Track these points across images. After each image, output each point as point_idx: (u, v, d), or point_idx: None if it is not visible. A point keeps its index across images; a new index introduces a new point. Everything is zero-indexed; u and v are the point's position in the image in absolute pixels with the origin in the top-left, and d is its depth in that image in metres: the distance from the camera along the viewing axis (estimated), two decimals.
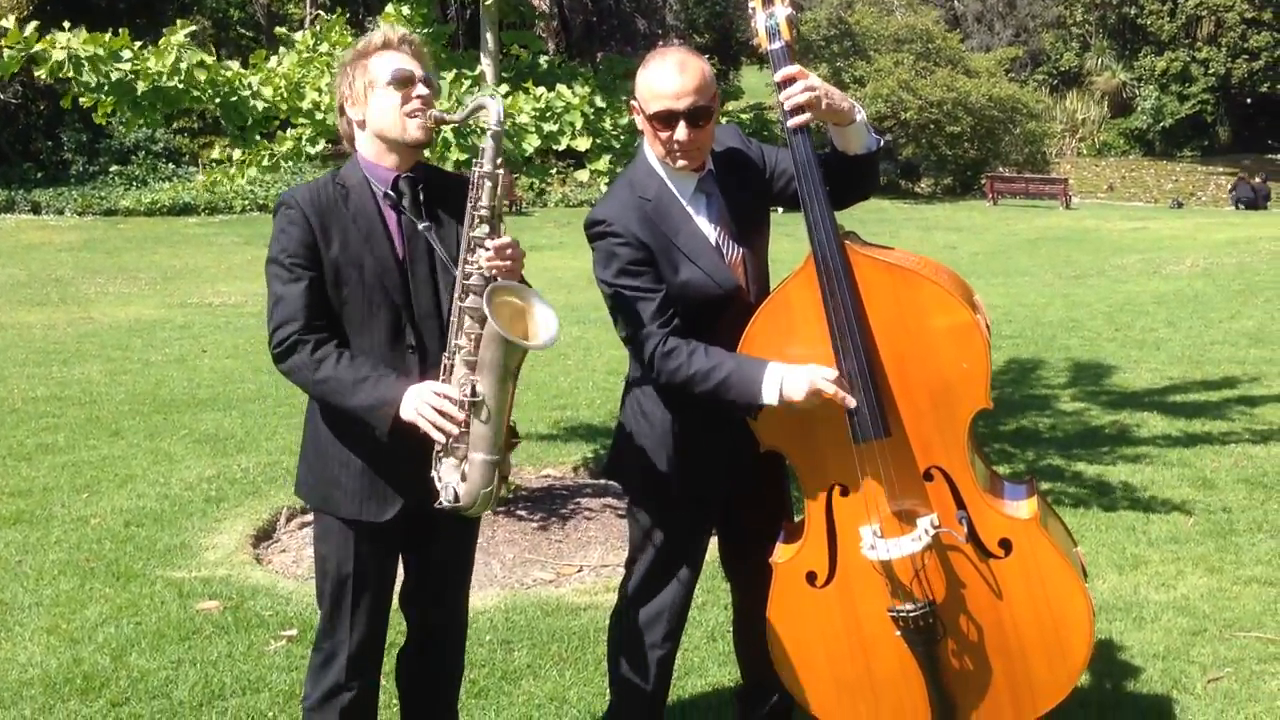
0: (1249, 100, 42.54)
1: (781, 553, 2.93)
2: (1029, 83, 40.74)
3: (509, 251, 2.52)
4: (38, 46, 4.24)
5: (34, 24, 4.34)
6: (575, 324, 11.67)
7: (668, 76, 2.74)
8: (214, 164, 5.20)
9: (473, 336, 2.51)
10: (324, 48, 5.00)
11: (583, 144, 4.39)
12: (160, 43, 4.39)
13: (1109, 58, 44.29)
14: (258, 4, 32.54)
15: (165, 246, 19.38)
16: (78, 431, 7.35)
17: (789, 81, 2.72)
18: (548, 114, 4.39)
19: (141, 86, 4.23)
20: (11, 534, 5.38)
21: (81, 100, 4.53)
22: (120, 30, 4.43)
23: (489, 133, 2.54)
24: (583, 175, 4.55)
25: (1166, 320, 11.23)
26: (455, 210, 2.64)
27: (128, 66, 4.25)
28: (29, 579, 4.81)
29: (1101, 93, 43.86)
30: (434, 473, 2.57)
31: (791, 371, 2.71)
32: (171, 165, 26.81)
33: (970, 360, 2.76)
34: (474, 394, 2.49)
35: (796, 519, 3.03)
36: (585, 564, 4.99)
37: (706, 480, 2.96)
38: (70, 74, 4.24)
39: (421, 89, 2.64)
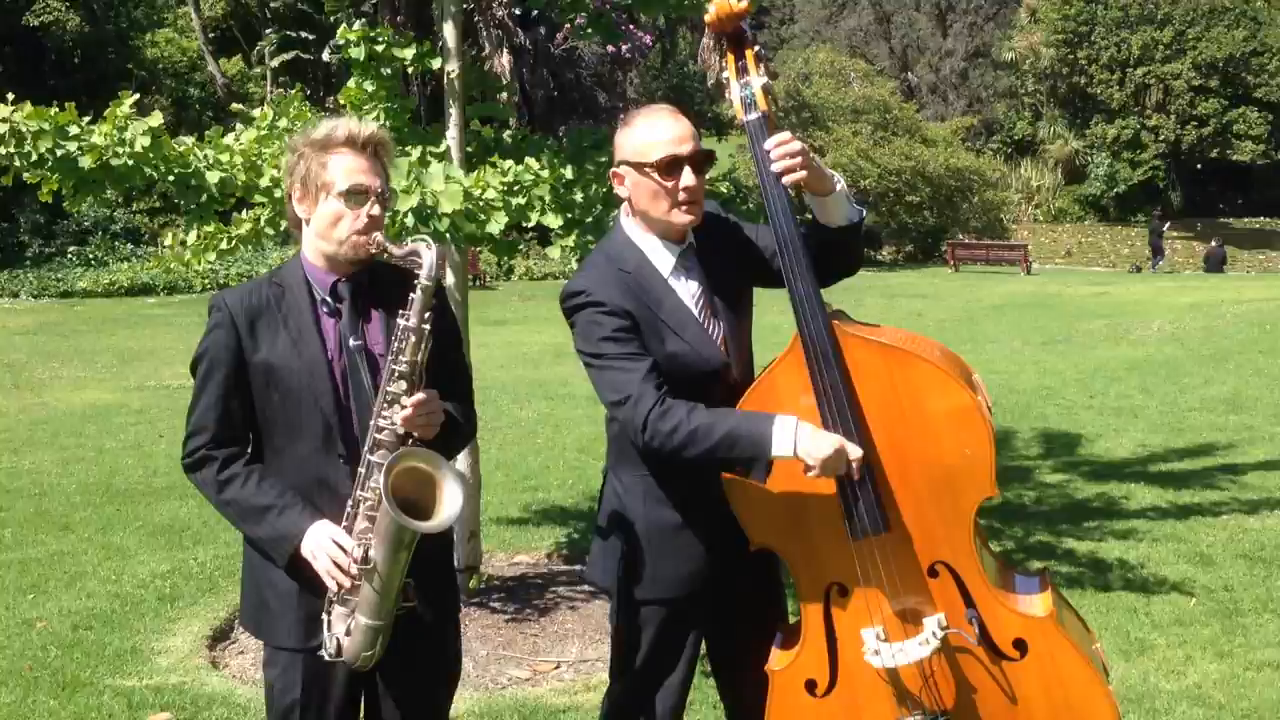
0: (1199, 165, 43.33)
1: (778, 659, 2.72)
2: (984, 151, 41.36)
3: (424, 408, 2.39)
4: None
5: None
6: (543, 399, 11.46)
7: (665, 125, 2.63)
8: (165, 249, 5.00)
9: (377, 491, 2.37)
10: (283, 123, 4.83)
11: (553, 220, 4.22)
12: (105, 114, 4.20)
13: (1061, 126, 45.05)
14: (217, 84, 32.50)
15: (123, 328, 19.01)
16: (26, 526, 7.02)
17: (781, 143, 2.59)
18: (515, 188, 4.22)
19: (87, 162, 4.03)
20: None
21: (26, 177, 4.31)
22: (66, 105, 4.23)
23: (418, 285, 2.38)
24: (554, 253, 4.38)
25: (1140, 387, 11.17)
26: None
27: (73, 145, 4.05)
28: None
29: (1055, 160, 44.53)
30: (325, 615, 2.45)
31: (808, 425, 2.51)
32: (130, 245, 26.50)
33: (973, 445, 2.58)
34: (366, 560, 2.39)
35: (793, 621, 2.82)
36: (563, 659, 4.73)
37: (693, 581, 2.75)
38: (11, 149, 4.03)
39: (374, 208, 2.48)
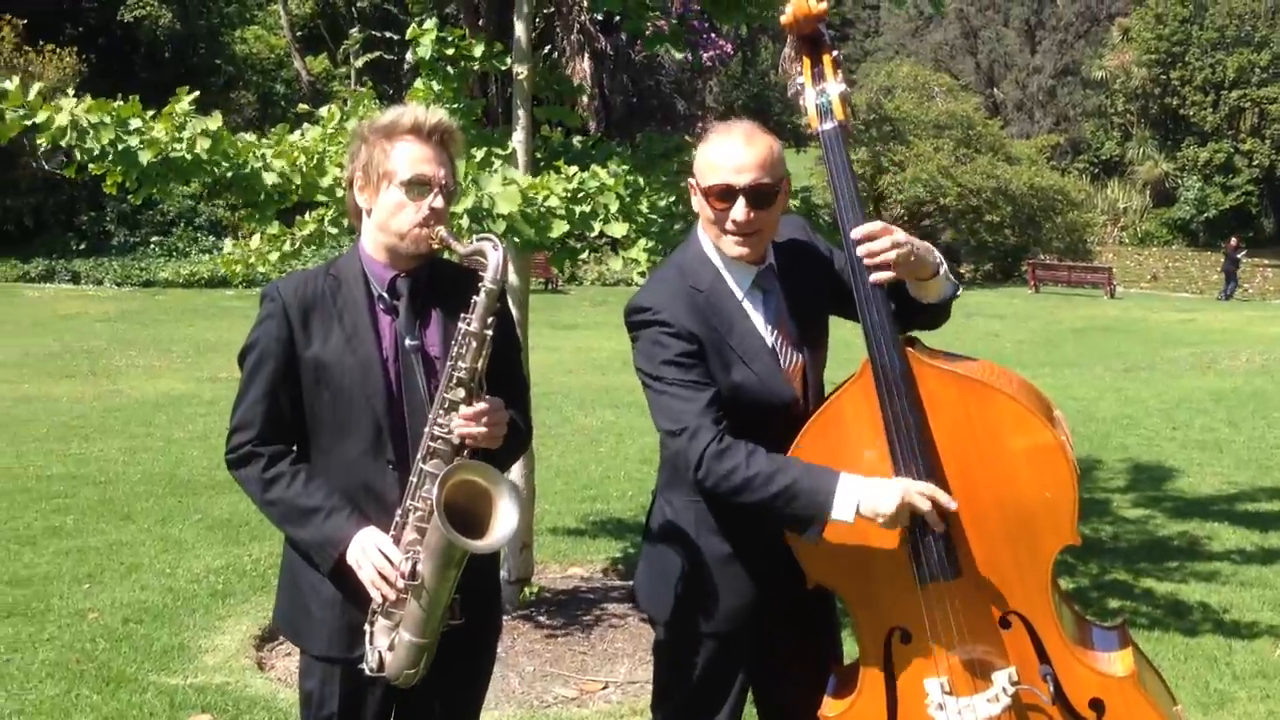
0: None
1: (831, 707, 2.55)
2: (1069, 171, 40.51)
3: (486, 419, 2.26)
4: (41, 115, 4.00)
5: (38, 86, 4.12)
6: (608, 407, 11.35)
7: (731, 149, 2.43)
8: (228, 253, 4.97)
9: (429, 503, 2.24)
10: (351, 124, 4.76)
11: (618, 230, 4.08)
12: (164, 111, 4.15)
13: (1151, 147, 44.04)
14: (303, 82, 32.96)
15: (201, 319, 19.31)
16: (88, 514, 7.06)
17: (870, 237, 2.39)
18: (580, 195, 4.09)
19: (147, 156, 3.99)
20: (4, 628, 5.06)
21: (91, 168, 4.29)
22: (130, 98, 4.20)
23: (482, 288, 2.26)
24: (616, 264, 4.25)
25: (1227, 420, 10.75)
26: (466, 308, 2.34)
27: (134, 139, 4.00)
28: (14, 682, 4.47)
29: (1144, 182, 43.52)
30: (368, 627, 2.34)
31: (872, 484, 2.34)
32: (212, 237, 26.93)
33: (1054, 488, 2.39)
34: (414, 575, 2.27)
35: (849, 663, 2.65)
36: (611, 680, 4.59)
37: (742, 615, 2.58)
38: (74, 142, 4.00)
39: (437, 200, 2.35)
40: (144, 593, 5.58)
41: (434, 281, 2.45)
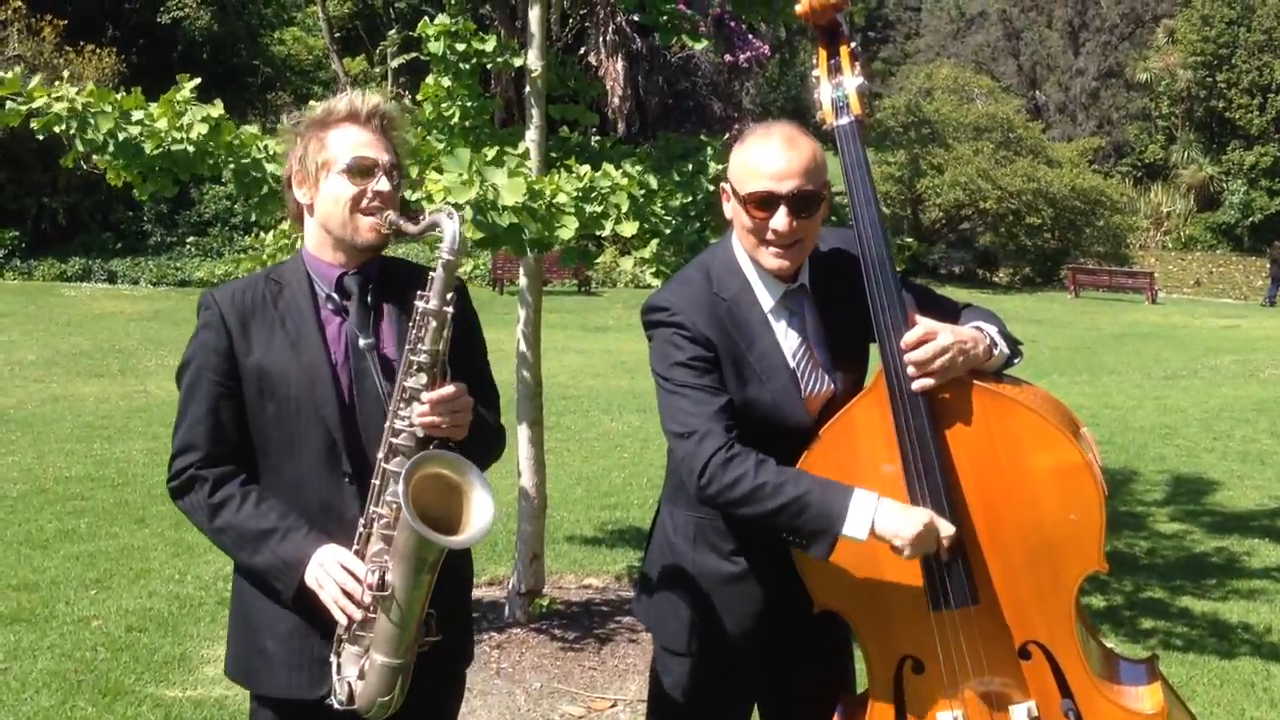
0: None
1: None
2: (1112, 174, 39.93)
3: (449, 405, 2.07)
4: (38, 101, 3.89)
5: (38, 76, 4.02)
6: (635, 411, 11.20)
7: (772, 153, 2.26)
8: (241, 251, 4.87)
9: (394, 506, 2.05)
10: None
11: (628, 229, 3.93)
12: (162, 99, 4.02)
13: (1195, 151, 43.28)
14: (341, 83, 33.09)
15: None
16: (102, 517, 6.99)
17: (914, 345, 2.21)
18: (591, 194, 3.94)
19: (149, 148, 3.86)
20: (6, 634, 4.97)
21: (96, 159, 4.18)
22: (134, 90, 4.08)
23: (439, 260, 2.08)
24: (627, 264, 4.09)
25: (1270, 430, 10.43)
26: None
27: (135, 129, 3.89)
28: (10, 692, 4.37)
29: (1187, 186, 42.78)
30: (334, 658, 2.13)
31: (891, 504, 2.17)
32: (248, 238, 27.03)
33: (1080, 511, 2.22)
34: (382, 585, 2.06)
35: (858, 693, 2.48)
36: (620, 698, 4.43)
37: (742, 638, 2.43)
38: (72, 131, 3.88)
39: (382, 183, 2.18)
40: (151, 599, 5.48)
41: (386, 278, 2.27)
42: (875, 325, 2.29)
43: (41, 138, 4.00)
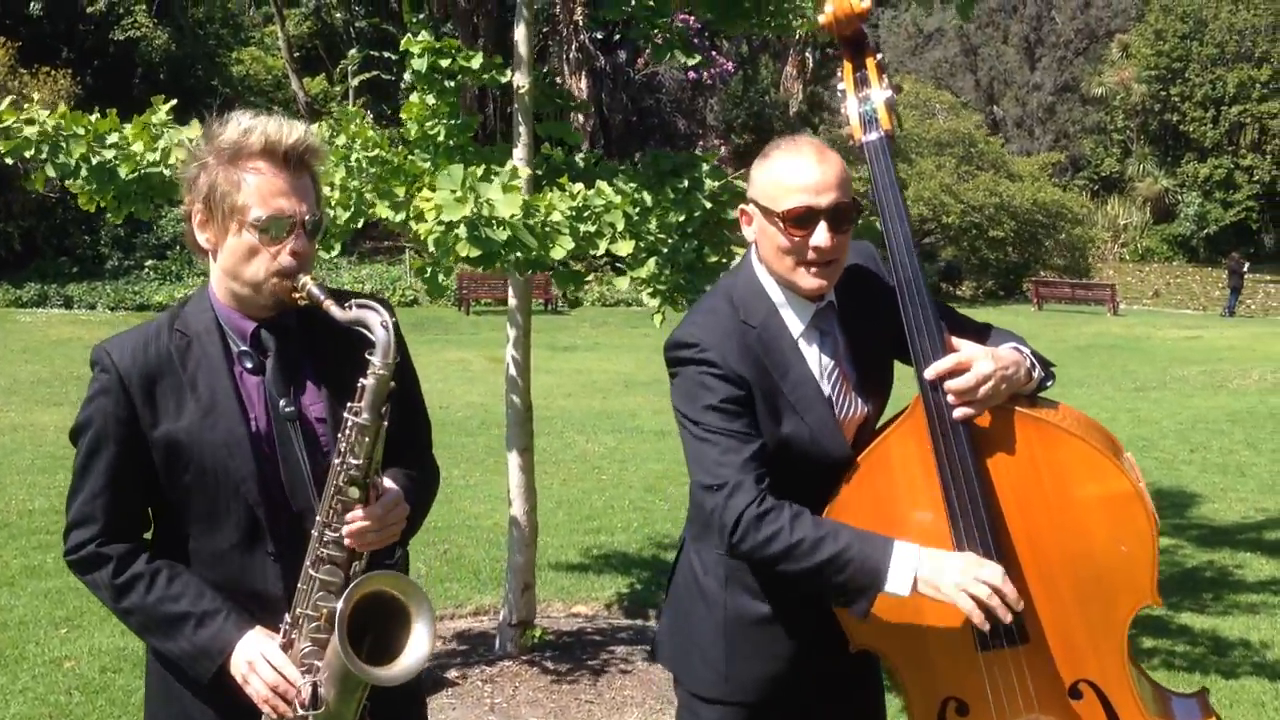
0: None
1: None
2: (1070, 187, 40.32)
3: (384, 520, 1.91)
4: (8, 121, 3.71)
5: (9, 99, 3.85)
6: (610, 432, 11.05)
7: (806, 166, 2.14)
8: (200, 274, 4.70)
9: (323, 614, 1.89)
10: (341, 140, 4.49)
11: (624, 248, 3.81)
12: (136, 121, 3.85)
13: (1151, 163, 43.84)
14: (300, 103, 32.79)
15: None
16: None
17: (949, 375, 2.12)
18: (585, 213, 3.81)
19: (124, 172, 3.69)
20: None
21: (68, 184, 4.00)
22: (110, 112, 3.92)
23: (371, 373, 1.86)
24: (622, 284, 3.98)
25: (1246, 441, 10.47)
26: (353, 360, 1.91)
27: (110, 153, 3.72)
28: None
29: (1144, 198, 43.31)
30: None
31: (935, 555, 2.05)
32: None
33: (1131, 541, 2.13)
34: (315, 701, 1.90)
35: None
36: None
37: (777, 682, 2.30)
38: (43, 155, 3.70)
39: (299, 241, 1.92)
40: (124, 638, 5.25)
41: (306, 327, 2.01)
42: (911, 349, 2.19)
43: None
